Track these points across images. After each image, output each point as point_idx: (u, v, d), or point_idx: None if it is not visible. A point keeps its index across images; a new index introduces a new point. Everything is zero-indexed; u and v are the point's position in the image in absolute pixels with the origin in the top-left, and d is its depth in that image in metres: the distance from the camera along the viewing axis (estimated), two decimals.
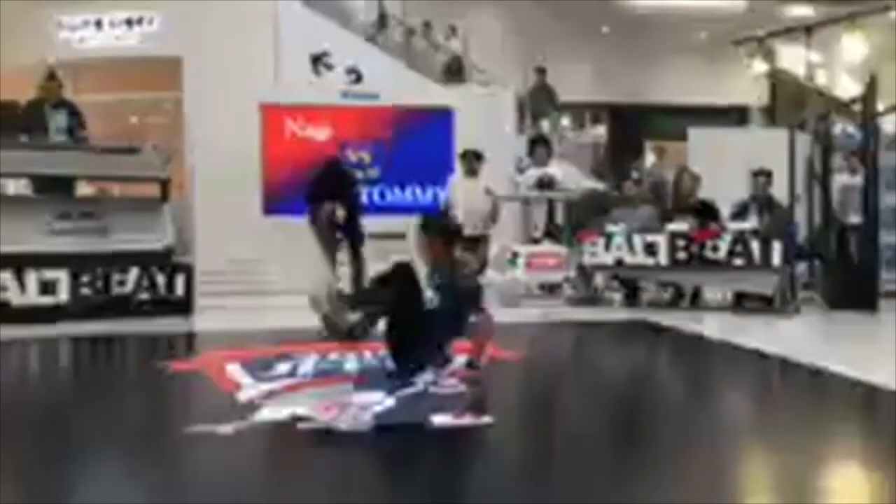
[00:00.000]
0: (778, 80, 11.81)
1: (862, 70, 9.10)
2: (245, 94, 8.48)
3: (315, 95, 9.08)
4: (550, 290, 7.57)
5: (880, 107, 7.48)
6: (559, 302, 7.30)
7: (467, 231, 5.44)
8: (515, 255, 7.57)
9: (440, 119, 8.83)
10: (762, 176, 7.08)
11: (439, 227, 4.06)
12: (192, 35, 9.36)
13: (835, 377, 3.94)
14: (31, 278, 6.01)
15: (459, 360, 4.19)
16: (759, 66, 11.87)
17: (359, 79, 9.86)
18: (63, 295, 6.10)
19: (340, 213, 6.39)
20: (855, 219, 7.43)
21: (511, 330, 5.08)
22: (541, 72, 12.52)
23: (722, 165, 7.94)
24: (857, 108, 7.75)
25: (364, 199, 7.28)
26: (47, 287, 6.05)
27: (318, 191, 6.47)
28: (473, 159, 7.29)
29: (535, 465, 2.69)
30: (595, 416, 3.47)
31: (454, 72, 11.31)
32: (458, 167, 7.31)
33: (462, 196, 6.92)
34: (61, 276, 6.10)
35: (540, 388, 4.06)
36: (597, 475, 2.59)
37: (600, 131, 12.57)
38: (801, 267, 7.42)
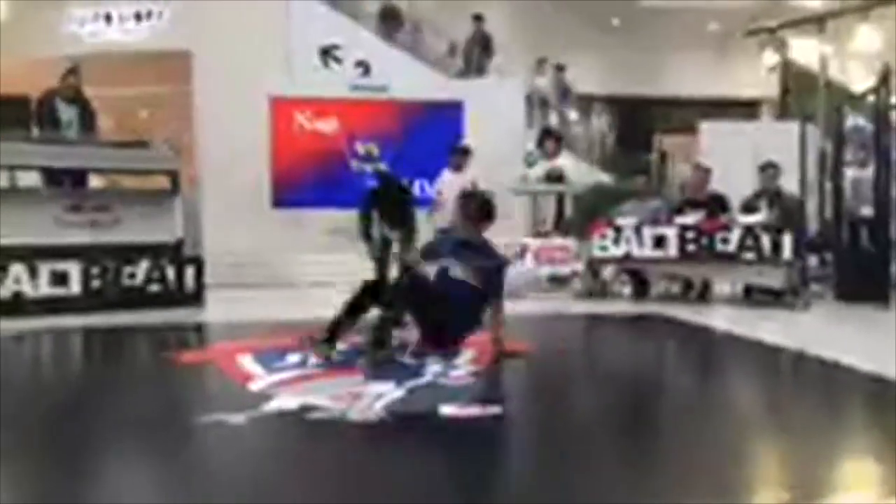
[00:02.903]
0: (789, 72, 11.71)
1: (875, 61, 9.03)
2: (255, 88, 8.51)
3: (324, 88, 9.09)
4: (559, 282, 7.56)
5: (893, 99, 7.41)
6: (568, 295, 7.29)
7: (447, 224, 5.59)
8: (524, 248, 7.57)
9: (450, 113, 8.83)
10: (770, 168, 7.04)
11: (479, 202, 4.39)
12: (201, 29, 9.37)
13: (849, 370, 3.92)
14: (43, 270, 6.06)
15: (467, 354, 4.21)
16: (771, 58, 11.75)
17: (367, 71, 9.85)
18: (75, 287, 6.15)
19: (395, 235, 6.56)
20: (866, 211, 7.37)
21: (521, 322, 5.08)
22: (478, 19, 11.32)
23: (733, 159, 7.89)
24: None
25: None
26: (59, 279, 6.10)
27: (370, 209, 6.69)
28: (460, 154, 7.35)
29: (543, 455, 2.69)
30: (606, 408, 3.47)
31: (390, 18, 10.59)
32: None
33: (447, 190, 6.97)
34: (73, 269, 6.15)
35: (549, 380, 4.06)
36: (607, 465, 2.59)
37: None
38: (812, 260, 7.37)
